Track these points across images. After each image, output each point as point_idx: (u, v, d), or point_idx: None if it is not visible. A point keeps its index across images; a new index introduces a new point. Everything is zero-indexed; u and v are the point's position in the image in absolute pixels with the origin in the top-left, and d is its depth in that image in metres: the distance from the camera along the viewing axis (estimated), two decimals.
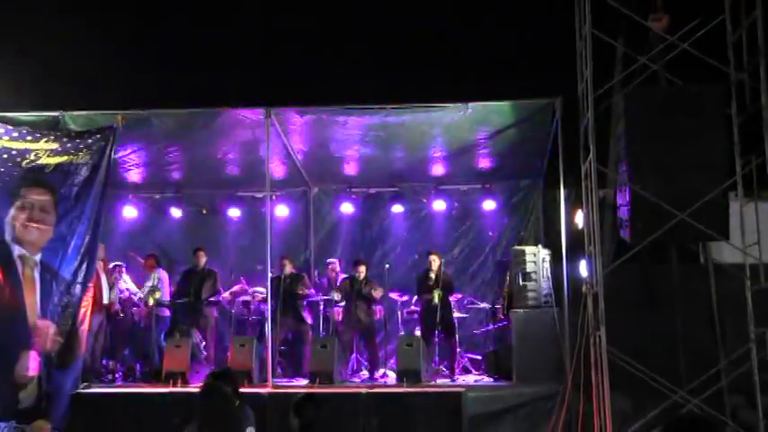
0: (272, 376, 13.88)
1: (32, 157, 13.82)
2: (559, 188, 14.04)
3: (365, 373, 15.51)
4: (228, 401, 7.22)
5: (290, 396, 12.60)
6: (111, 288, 15.54)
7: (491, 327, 16.05)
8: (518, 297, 14.52)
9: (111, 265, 15.89)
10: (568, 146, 13.57)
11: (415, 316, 16.03)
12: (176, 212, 18.12)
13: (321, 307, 16.17)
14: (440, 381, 14.53)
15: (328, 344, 14.25)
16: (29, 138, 13.94)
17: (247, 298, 16.44)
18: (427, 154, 16.21)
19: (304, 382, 14.35)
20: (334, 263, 16.50)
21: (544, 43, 18.39)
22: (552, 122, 14.04)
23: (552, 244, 14.89)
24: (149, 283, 15.87)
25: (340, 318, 15.91)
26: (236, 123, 14.82)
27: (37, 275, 13.59)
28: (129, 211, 17.94)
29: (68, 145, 13.95)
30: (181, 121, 14.88)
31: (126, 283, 16.09)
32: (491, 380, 14.85)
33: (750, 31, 11.96)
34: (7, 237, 13.61)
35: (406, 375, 13.74)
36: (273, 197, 16.83)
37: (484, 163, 16.54)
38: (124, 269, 16.17)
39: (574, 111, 13.13)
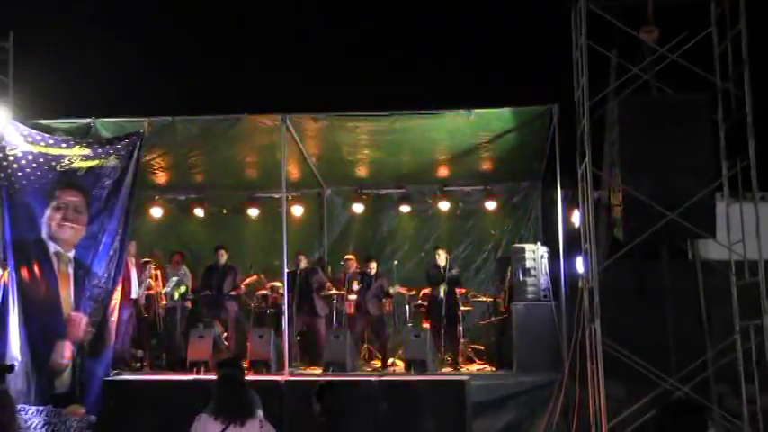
0: (289, 365, 13.91)
1: (66, 162, 13.89)
2: (557, 189, 14.01)
3: (375, 363, 15.53)
4: (242, 387, 7.27)
5: (305, 384, 12.72)
6: (140, 283, 15.60)
7: (493, 319, 16.03)
8: (518, 291, 14.50)
9: (141, 261, 15.94)
10: (565, 150, 13.55)
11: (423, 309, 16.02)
12: (199, 212, 18.12)
13: (334, 300, 16.19)
14: (445, 369, 14.56)
15: (341, 335, 14.29)
16: (63, 144, 14.02)
17: (265, 292, 16.46)
18: (432, 157, 16.19)
19: (318, 370, 14.36)
20: (352, 258, 16.43)
21: (542, 54, 18.38)
22: (550, 128, 14.02)
23: (550, 242, 14.85)
24: (175, 278, 15.90)
25: (352, 310, 15.93)
26: (255, 129, 14.83)
27: (71, 271, 13.70)
28: (156, 211, 17.96)
29: (99, 150, 14.01)
30: (203, 127, 14.88)
31: (153, 278, 16.13)
32: (493, 369, 14.86)
33: (735, 42, 12.00)
34: (44, 235, 13.74)
35: (413, 364, 13.77)
36: (289, 198, 16.81)
37: (486, 166, 16.49)
38: (152, 265, 16.19)
39: (570, 117, 13.14)
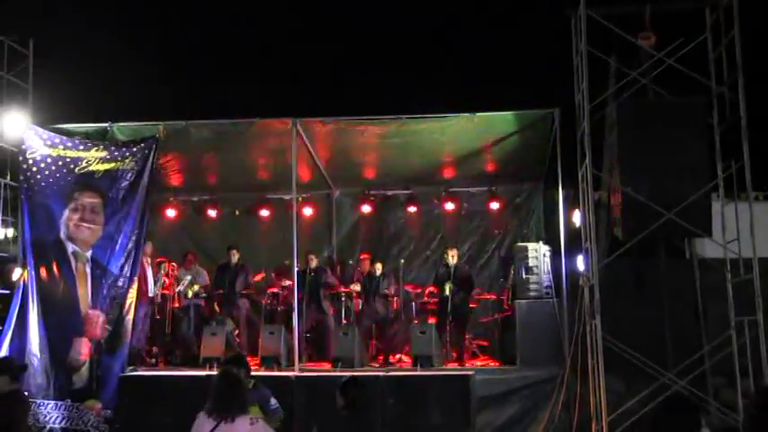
0: (299, 361, 14.00)
1: (84, 164, 14.04)
2: (558, 190, 14.04)
3: (383, 358, 15.62)
4: (238, 383, 7.35)
5: (315, 379, 12.83)
6: (155, 282, 15.70)
7: (497, 316, 16.09)
8: (521, 289, 14.53)
9: (156, 261, 16.04)
10: (566, 152, 13.60)
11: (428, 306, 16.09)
12: (212, 213, 18.16)
13: (343, 298, 16.28)
14: (450, 365, 14.62)
15: (349, 332, 14.33)
16: (81, 147, 14.16)
17: (276, 290, 16.54)
18: (438, 159, 16.22)
19: (327, 366, 14.44)
20: (366, 258, 16.36)
21: (544, 59, 18.45)
22: (551, 131, 14.08)
23: (552, 241, 14.88)
24: (188, 277, 15.98)
25: (359, 308, 16.02)
26: (266, 133, 14.91)
27: (88, 270, 13.85)
28: (170, 212, 18.03)
29: (116, 153, 14.14)
30: (216, 130, 14.97)
31: (167, 277, 16.22)
32: (497, 364, 14.91)
33: (729, 48, 12.03)
34: (62, 235, 13.91)
35: (419, 360, 13.77)
36: (299, 199, 16.88)
37: (490, 167, 16.51)
38: (165, 265, 16.28)
39: (571, 120, 13.18)
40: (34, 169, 14.08)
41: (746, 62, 11.82)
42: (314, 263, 15.95)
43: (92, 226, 13.95)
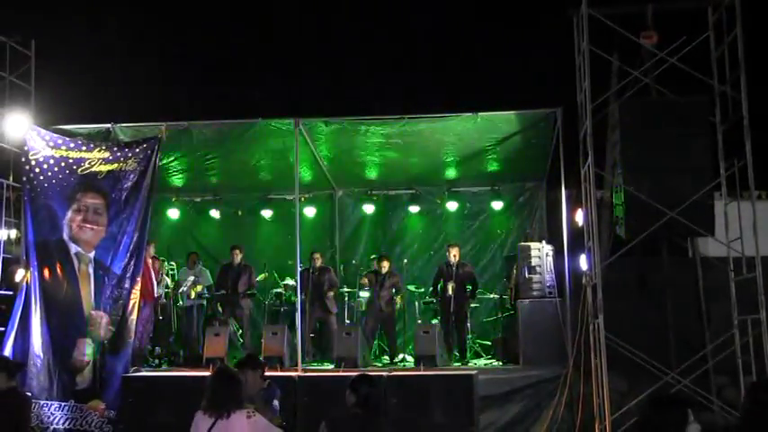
0: (302, 361, 14.01)
1: (87, 165, 14.04)
2: (561, 189, 14.02)
3: (386, 358, 15.62)
4: (233, 379, 7.37)
5: (318, 379, 12.84)
6: (158, 282, 15.72)
7: (500, 315, 16.10)
8: (524, 288, 14.49)
9: (158, 261, 16.06)
10: (569, 151, 13.61)
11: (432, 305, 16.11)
12: (215, 213, 18.25)
13: (346, 298, 16.31)
14: (453, 364, 14.63)
15: (353, 331, 14.33)
16: (84, 148, 14.16)
17: (279, 290, 16.56)
18: (441, 159, 16.19)
19: (331, 366, 14.46)
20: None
21: (546, 59, 18.46)
22: (554, 130, 14.06)
23: (555, 240, 14.88)
24: (192, 278, 16.01)
25: (364, 308, 16.04)
26: (268, 133, 14.87)
27: (91, 271, 13.86)
28: (173, 213, 18.08)
29: (118, 154, 14.13)
30: (218, 131, 14.98)
31: (169, 277, 16.25)
32: (500, 363, 14.92)
33: (731, 47, 12.06)
34: (65, 236, 13.92)
35: (423, 359, 13.76)
36: (302, 199, 16.91)
37: (492, 167, 16.51)
38: (167, 265, 16.32)
39: (573, 119, 13.18)
40: (37, 170, 14.08)
41: (749, 61, 11.86)
42: (319, 262, 15.98)
43: (95, 227, 13.96)
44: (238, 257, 16.18)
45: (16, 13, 17.14)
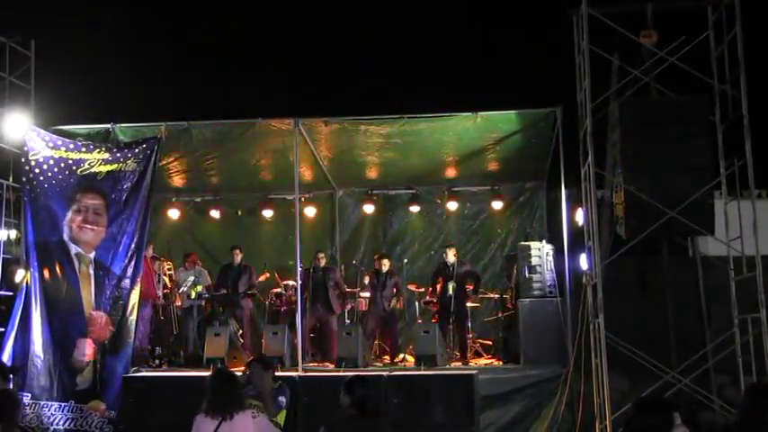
0: (302, 361, 14.01)
1: (87, 166, 14.06)
2: (561, 189, 14.03)
3: (386, 358, 15.62)
4: (232, 380, 7.39)
5: (318, 379, 12.85)
6: (158, 282, 15.73)
7: (500, 315, 16.11)
8: (524, 288, 14.50)
9: (156, 262, 16.07)
10: (569, 150, 13.62)
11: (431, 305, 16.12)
12: (215, 214, 18.24)
13: (347, 297, 16.33)
14: (454, 364, 14.63)
15: (353, 331, 14.32)
16: (83, 148, 14.18)
17: (280, 290, 16.58)
18: (441, 159, 16.21)
19: (331, 366, 14.47)
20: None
21: (546, 58, 18.47)
22: (554, 129, 14.08)
23: (555, 240, 14.88)
24: (191, 278, 16.01)
25: (364, 307, 16.06)
26: (268, 133, 14.87)
27: (91, 272, 13.88)
28: (173, 213, 18.09)
29: (118, 154, 14.15)
30: (218, 131, 14.98)
31: (167, 277, 16.26)
32: (500, 363, 14.92)
33: (731, 45, 12.06)
34: (65, 237, 13.95)
35: (423, 359, 13.77)
36: (302, 199, 16.92)
37: (492, 166, 16.52)
38: (166, 265, 16.33)
39: (573, 119, 13.18)
40: (36, 171, 14.10)
41: (748, 60, 11.86)
42: (323, 261, 15.99)
43: (95, 227, 13.98)
44: (238, 257, 16.18)
45: (16, 13, 17.15)
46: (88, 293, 13.80)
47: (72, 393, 13.45)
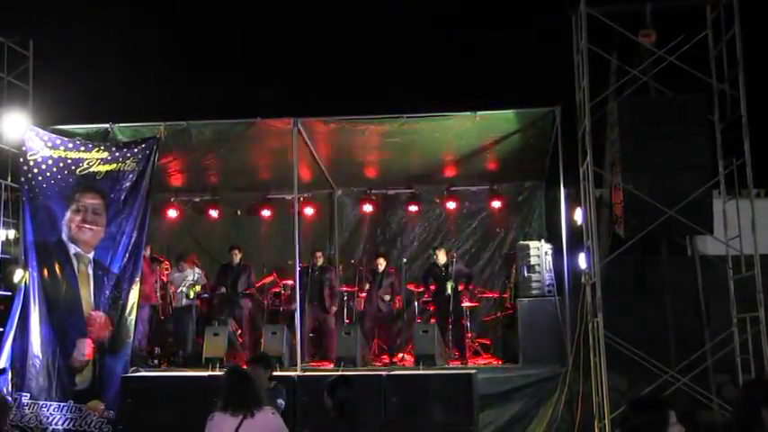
0: (301, 361, 14.02)
1: (85, 166, 14.07)
2: (560, 188, 14.05)
3: (385, 357, 15.65)
4: (248, 378, 7.41)
5: (317, 378, 12.85)
6: (156, 282, 15.73)
7: (499, 314, 16.12)
8: (523, 287, 14.52)
9: (156, 262, 16.09)
10: (567, 150, 13.63)
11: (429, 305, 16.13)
12: (214, 213, 18.23)
13: (345, 297, 16.35)
14: (453, 363, 14.64)
15: (352, 331, 14.35)
16: (82, 148, 14.19)
17: (278, 290, 16.58)
18: (440, 158, 16.24)
19: (330, 366, 14.48)
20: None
21: (545, 58, 18.47)
22: (553, 129, 14.07)
23: (554, 239, 14.90)
24: (190, 278, 16.02)
25: (362, 307, 16.07)
26: (267, 133, 14.90)
27: (90, 271, 13.89)
28: (172, 213, 18.08)
29: (117, 154, 14.16)
30: (217, 131, 14.96)
31: (166, 277, 16.26)
32: (499, 362, 14.94)
33: (730, 45, 12.09)
34: (64, 237, 13.96)
35: (422, 359, 13.79)
36: (301, 199, 16.92)
37: (491, 166, 16.53)
38: (164, 265, 16.34)
39: (572, 118, 13.21)
40: (35, 171, 14.10)
41: (747, 59, 11.89)
42: (320, 261, 16.01)
43: (94, 227, 13.99)
44: (237, 257, 16.20)
45: (14, 13, 17.14)
46: (87, 293, 13.82)
47: (71, 393, 13.46)
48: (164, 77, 20.93)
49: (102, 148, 14.21)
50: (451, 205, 17.65)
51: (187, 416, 12.25)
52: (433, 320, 15.41)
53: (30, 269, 13.92)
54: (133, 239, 13.97)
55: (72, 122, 14.83)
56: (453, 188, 17.68)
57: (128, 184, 14.03)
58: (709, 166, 11.83)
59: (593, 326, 12.14)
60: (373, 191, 17.96)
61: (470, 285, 15.91)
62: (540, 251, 14.67)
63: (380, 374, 12.70)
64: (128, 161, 14.10)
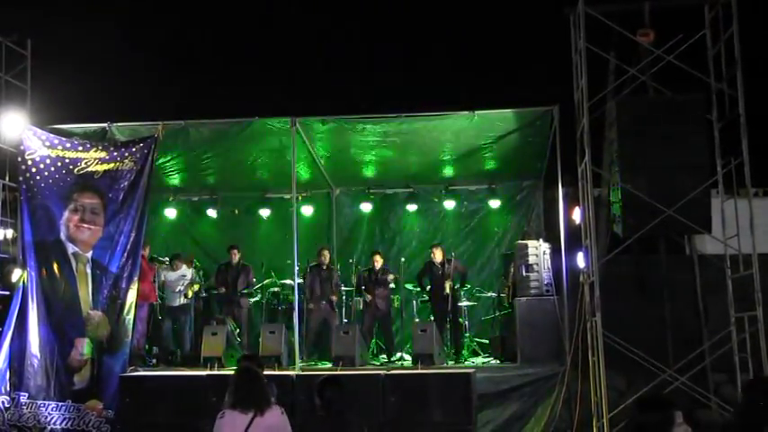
0: (301, 360, 14.02)
1: (83, 165, 14.06)
2: (558, 187, 14.04)
3: (384, 357, 15.66)
4: (259, 377, 7.45)
5: (316, 378, 12.85)
6: (154, 281, 15.74)
7: (497, 314, 16.13)
8: (521, 286, 14.52)
9: (155, 261, 16.09)
10: (566, 149, 13.63)
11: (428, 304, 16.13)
12: (212, 213, 18.22)
13: (344, 296, 16.35)
14: (451, 363, 14.65)
15: (350, 330, 14.35)
16: (80, 148, 14.19)
17: (276, 289, 16.59)
18: (438, 157, 16.19)
19: (329, 365, 14.48)
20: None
21: (543, 57, 18.51)
22: (551, 128, 14.05)
23: (552, 238, 14.90)
24: (188, 277, 16.02)
25: (361, 306, 16.08)
26: (265, 132, 14.87)
27: (89, 271, 13.90)
28: (170, 212, 18.08)
29: (115, 153, 14.16)
30: (215, 130, 14.94)
31: (164, 277, 16.25)
32: (498, 362, 14.93)
33: (728, 44, 12.12)
34: (62, 236, 13.97)
35: (420, 358, 13.76)
36: (299, 198, 16.93)
37: (489, 165, 16.51)
38: (162, 265, 16.34)
39: (570, 117, 13.23)
40: (33, 170, 14.11)
41: (745, 58, 11.90)
42: (327, 258, 16.02)
43: (92, 227, 14.00)
44: (236, 257, 16.22)
45: (12, 12, 17.14)
46: (85, 293, 13.82)
47: (69, 393, 13.46)
48: (162, 77, 20.97)
49: (101, 147, 14.21)
50: (450, 204, 17.64)
51: (186, 415, 12.30)
52: (431, 320, 15.42)
53: (28, 269, 13.92)
54: (131, 239, 13.97)
55: (70, 122, 14.82)
56: (452, 187, 17.66)
57: (126, 183, 14.03)
58: (708, 165, 11.84)
59: (592, 325, 12.17)
60: (372, 190, 17.96)
61: (464, 281, 15.89)
62: (538, 250, 14.66)
63: (379, 374, 12.70)
64: (126, 161, 14.10)
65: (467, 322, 15.89)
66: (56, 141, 14.21)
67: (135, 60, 21.05)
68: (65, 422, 13.34)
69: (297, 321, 14.29)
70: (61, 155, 14.14)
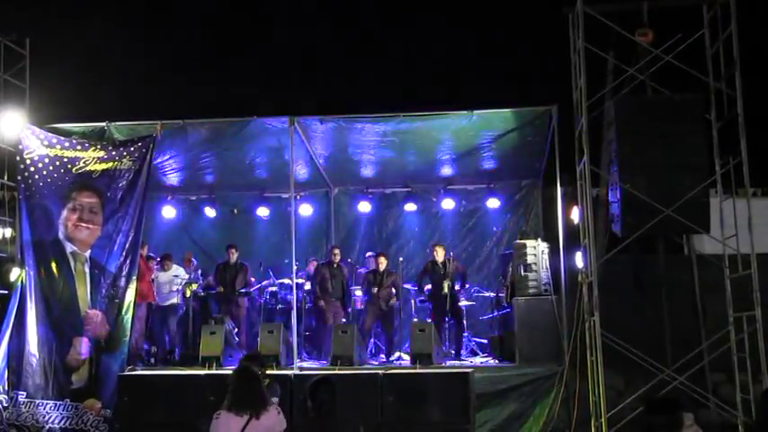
0: (298, 359, 14.02)
1: (82, 164, 14.06)
2: (557, 187, 14.04)
3: (382, 357, 15.66)
4: (256, 379, 7.45)
5: (314, 377, 12.85)
6: (152, 281, 15.74)
7: (496, 313, 16.12)
8: (520, 286, 14.50)
9: (153, 260, 16.09)
10: (564, 149, 13.62)
11: (427, 303, 16.12)
12: (210, 212, 18.20)
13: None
14: (449, 362, 14.66)
15: (349, 330, 14.35)
16: (78, 147, 14.18)
17: (274, 288, 16.59)
18: (437, 157, 16.20)
19: (327, 364, 14.46)
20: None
21: (542, 56, 18.52)
22: (549, 128, 14.03)
23: (551, 238, 14.89)
24: (186, 276, 16.01)
25: (360, 305, 16.09)
26: (264, 131, 14.85)
27: (87, 270, 13.89)
28: (168, 211, 18.06)
29: (113, 152, 14.16)
30: (213, 129, 14.90)
31: (162, 276, 16.25)
32: (496, 361, 14.90)
33: (726, 44, 12.12)
34: (61, 235, 13.96)
35: (419, 358, 13.74)
36: (298, 197, 16.93)
37: (488, 164, 16.50)
38: (159, 265, 16.34)
39: (569, 117, 13.21)
40: (32, 169, 14.11)
41: (744, 58, 11.91)
42: (338, 257, 16.05)
43: (90, 226, 14.00)
44: (234, 256, 16.22)
45: (11, 11, 17.16)
46: (84, 292, 13.82)
47: (68, 392, 13.45)
48: (160, 76, 20.97)
49: (99, 146, 14.20)
50: (448, 204, 17.62)
51: (184, 415, 12.30)
52: (429, 319, 15.42)
53: (26, 268, 13.92)
54: (130, 238, 13.97)
55: (69, 121, 14.81)
56: (450, 187, 17.65)
57: (124, 182, 14.04)
58: (706, 165, 11.85)
59: (590, 325, 12.17)
60: (370, 189, 17.96)
61: (465, 281, 15.91)
62: (536, 250, 14.64)
63: (377, 373, 12.70)
64: (124, 160, 14.11)
65: (465, 322, 15.87)
66: (54, 140, 14.21)
67: (133, 60, 21.05)
68: (63, 421, 13.31)
69: (295, 321, 14.29)
70: (60, 154, 14.14)
